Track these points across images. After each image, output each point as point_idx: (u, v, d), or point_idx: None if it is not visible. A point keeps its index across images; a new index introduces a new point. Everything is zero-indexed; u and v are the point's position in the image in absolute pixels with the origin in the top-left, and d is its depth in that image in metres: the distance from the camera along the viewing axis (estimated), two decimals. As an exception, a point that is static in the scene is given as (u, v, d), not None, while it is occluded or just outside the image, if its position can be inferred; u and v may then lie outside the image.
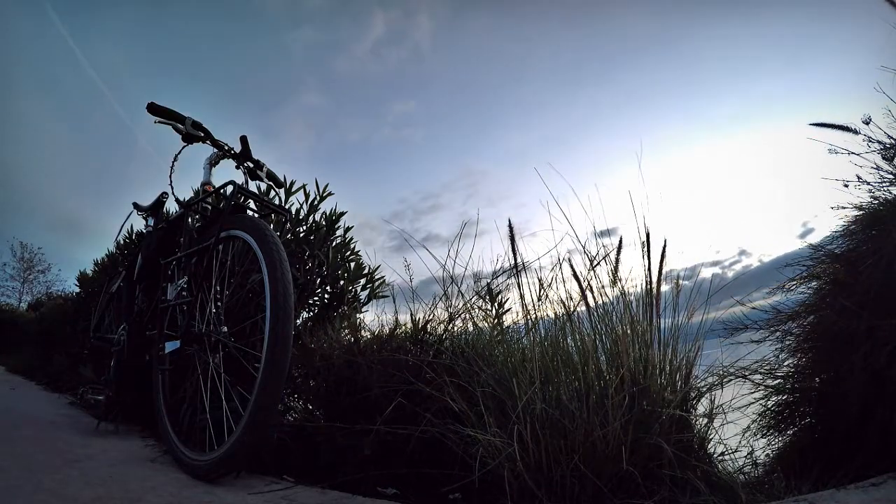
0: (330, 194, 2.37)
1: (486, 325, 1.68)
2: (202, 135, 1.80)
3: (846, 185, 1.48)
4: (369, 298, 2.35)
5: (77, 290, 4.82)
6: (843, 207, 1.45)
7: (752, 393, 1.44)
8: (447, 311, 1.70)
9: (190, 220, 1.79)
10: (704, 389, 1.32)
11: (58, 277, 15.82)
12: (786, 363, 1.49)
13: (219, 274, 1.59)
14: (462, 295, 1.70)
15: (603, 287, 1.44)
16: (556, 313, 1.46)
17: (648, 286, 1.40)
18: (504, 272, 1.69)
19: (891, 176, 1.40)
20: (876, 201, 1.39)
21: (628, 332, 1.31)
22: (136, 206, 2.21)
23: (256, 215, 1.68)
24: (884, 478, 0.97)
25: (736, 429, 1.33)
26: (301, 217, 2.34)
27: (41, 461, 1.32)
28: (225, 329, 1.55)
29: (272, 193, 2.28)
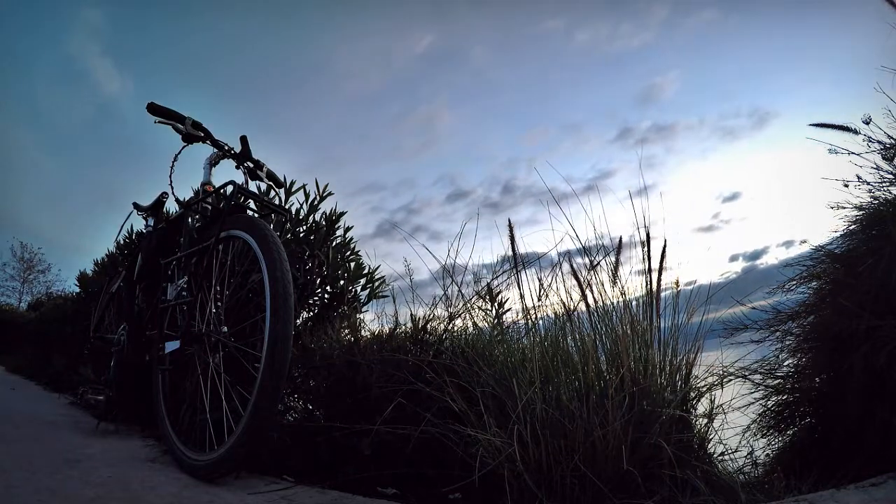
0: (330, 194, 2.37)
1: (486, 324, 1.68)
2: (202, 135, 1.80)
3: (846, 185, 1.48)
4: (369, 298, 2.35)
5: (77, 290, 4.83)
6: (843, 207, 1.45)
7: (752, 393, 1.44)
8: (447, 310, 1.70)
9: (190, 220, 1.79)
10: (704, 389, 1.32)
11: (58, 277, 15.83)
12: (786, 363, 1.50)
13: (219, 274, 1.59)
14: (462, 295, 1.70)
15: (602, 285, 1.44)
16: (556, 313, 1.46)
17: (649, 286, 1.40)
18: (504, 271, 1.69)
19: (891, 176, 1.40)
20: (876, 201, 1.39)
21: (628, 332, 1.31)
22: (136, 205, 2.21)
23: (256, 215, 1.68)
24: (884, 478, 0.97)
25: (736, 429, 1.33)
26: (301, 217, 2.34)
27: (41, 461, 1.32)
28: (225, 329, 1.55)
29: (272, 193, 2.28)
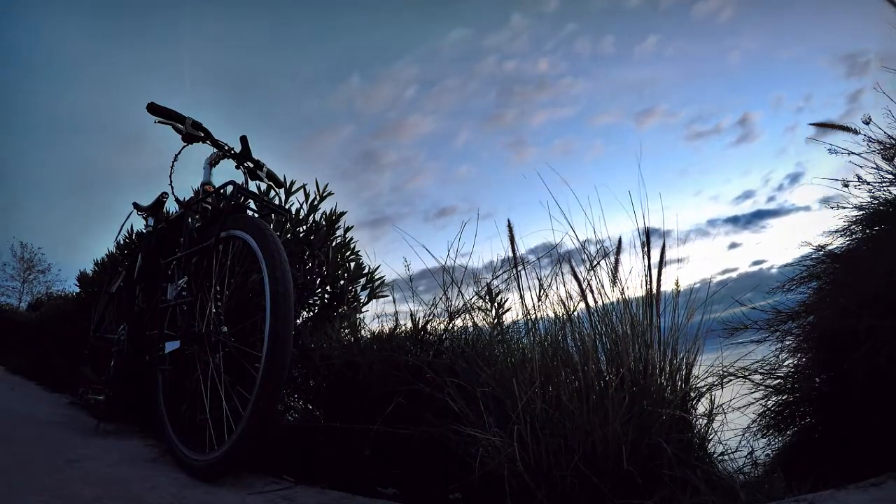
0: (330, 194, 2.37)
1: (485, 324, 1.68)
2: (202, 135, 1.80)
3: (846, 185, 1.48)
4: (369, 298, 2.35)
5: (77, 290, 4.82)
6: (843, 207, 1.45)
7: (752, 393, 1.44)
8: (447, 310, 1.70)
9: (190, 220, 1.79)
10: (704, 389, 1.32)
11: (58, 277, 15.76)
12: (786, 363, 1.49)
13: (219, 274, 1.59)
14: (462, 295, 1.70)
15: (602, 286, 1.44)
16: (556, 313, 1.45)
17: (648, 286, 1.40)
18: (504, 271, 1.69)
19: (891, 176, 1.40)
20: (876, 201, 1.39)
21: (628, 332, 1.30)
22: (136, 206, 2.21)
23: (256, 215, 1.68)
24: (884, 478, 0.97)
25: (736, 429, 1.33)
26: (301, 217, 2.34)
27: (41, 461, 1.32)
28: (225, 329, 1.55)
29: (272, 193, 2.28)
